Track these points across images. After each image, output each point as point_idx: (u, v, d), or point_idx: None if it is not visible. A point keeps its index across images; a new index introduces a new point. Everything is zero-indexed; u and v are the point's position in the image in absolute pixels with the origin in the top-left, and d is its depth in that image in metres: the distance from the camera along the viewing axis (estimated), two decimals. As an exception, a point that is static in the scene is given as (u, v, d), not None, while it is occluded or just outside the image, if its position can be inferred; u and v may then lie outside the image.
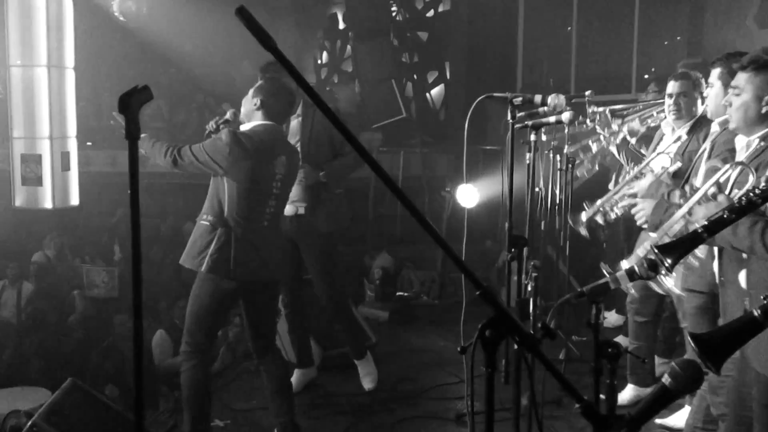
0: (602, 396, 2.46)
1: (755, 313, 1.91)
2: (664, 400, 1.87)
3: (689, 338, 1.87)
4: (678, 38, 9.66)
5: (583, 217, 4.54)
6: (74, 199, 9.89)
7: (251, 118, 4.35)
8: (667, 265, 2.28)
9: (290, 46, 12.50)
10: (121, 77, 11.79)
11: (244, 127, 4.35)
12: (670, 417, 4.65)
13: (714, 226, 2.31)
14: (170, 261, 9.12)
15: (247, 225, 4.25)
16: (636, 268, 2.41)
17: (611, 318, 6.82)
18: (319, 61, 13.58)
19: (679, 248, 2.29)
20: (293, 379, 5.43)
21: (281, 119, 4.48)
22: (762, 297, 1.96)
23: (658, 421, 4.65)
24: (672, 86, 4.57)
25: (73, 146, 9.85)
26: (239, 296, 4.40)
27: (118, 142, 10.87)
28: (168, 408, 5.51)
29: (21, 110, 9.52)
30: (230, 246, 4.20)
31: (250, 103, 4.35)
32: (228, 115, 4.51)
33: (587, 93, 5.26)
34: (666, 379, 1.86)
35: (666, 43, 9.88)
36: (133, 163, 2.11)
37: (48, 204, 9.55)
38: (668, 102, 4.59)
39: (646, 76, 9.57)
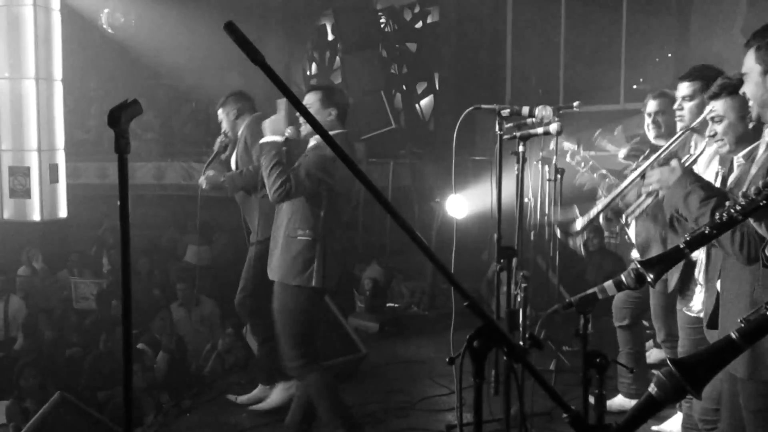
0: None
1: (733, 336, 1.92)
2: (650, 410, 1.88)
3: (669, 362, 1.88)
4: (665, 48, 9.73)
5: (578, 224, 4.29)
6: (62, 212, 9.86)
7: (327, 128, 4.26)
8: (649, 280, 2.30)
9: (279, 57, 12.53)
10: (110, 89, 11.79)
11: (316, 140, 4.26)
12: (664, 423, 4.67)
13: (695, 241, 2.34)
14: (158, 272, 9.11)
15: (337, 234, 4.34)
16: (623, 279, 2.43)
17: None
18: (308, 73, 13.60)
19: (661, 263, 2.32)
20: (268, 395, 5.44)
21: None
22: (739, 320, 1.97)
23: (654, 428, 4.66)
24: (651, 105, 4.58)
25: (61, 158, 9.84)
26: None
27: (108, 154, 10.87)
28: (157, 420, 5.47)
29: (9, 122, 9.52)
30: (327, 257, 4.25)
31: (323, 113, 4.28)
32: (289, 134, 4.38)
33: (575, 104, 5.28)
34: (652, 389, 1.86)
35: (653, 53, 9.95)
36: (123, 175, 2.12)
37: (36, 216, 9.53)
38: (647, 121, 4.57)
39: (635, 87, 9.63)
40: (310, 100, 4.32)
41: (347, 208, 4.44)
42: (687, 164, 3.12)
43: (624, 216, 3.89)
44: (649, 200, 3.47)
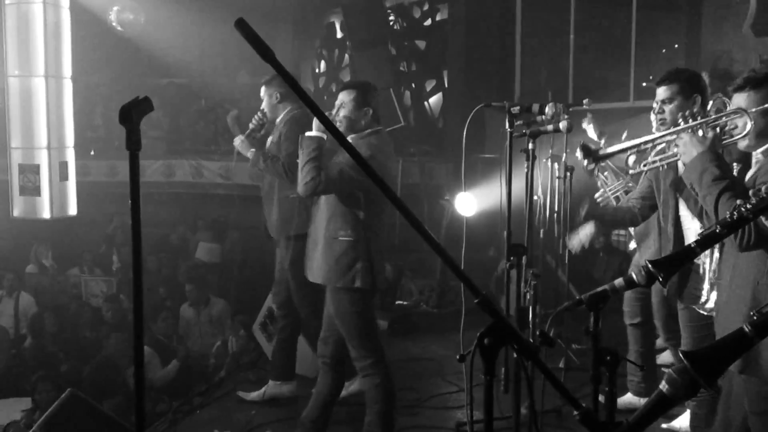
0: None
1: (746, 329, 1.90)
2: (661, 407, 1.86)
3: (681, 355, 1.87)
4: (676, 46, 9.69)
5: (608, 150, 3.87)
6: (72, 209, 9.90)
7: (363, 128, 4.26)
8: (660, 279, 2.29)
9: (288, 55, 12.54)
10: (119, 87, 11.82)
11: (355, 137, 4.23)
12: (674, 421, 4.66)
13: (706, 241, 2.34)
14: (167, 270, 9.14)
15: (378, 234, 4.29)
16: (635, 277, 2.42)
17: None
18: (317, 70, 13.62)
19: (671, 263, 2.31)
20: (265, 390, 5.48)
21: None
22: (751, 313, 1.96)
23: (664, 425, 4.65)
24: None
25: (71, 156, 9.87)
26: None
27: (117, 152, 10.90)
28: (166, 419, 5.49)
29: (19, 120, 9.55)
30: (371, 258, 4.21)
31: (358, 114, 4.23)
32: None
33: (585, 101, 5.27)
34: (663, 386, 1.85)
35: (664, 51, 9.91)
36: (134, 172, 2.12)
37: (46, 214, 9.56)
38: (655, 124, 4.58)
39: (644, 84, 9.59)
40: (346, 99, 4.24)
41: (387, 209, 4.34)
42: (725, 143, 3.10)
43: (641, 163, 3.84)
44: (670, 160, 3.43)
